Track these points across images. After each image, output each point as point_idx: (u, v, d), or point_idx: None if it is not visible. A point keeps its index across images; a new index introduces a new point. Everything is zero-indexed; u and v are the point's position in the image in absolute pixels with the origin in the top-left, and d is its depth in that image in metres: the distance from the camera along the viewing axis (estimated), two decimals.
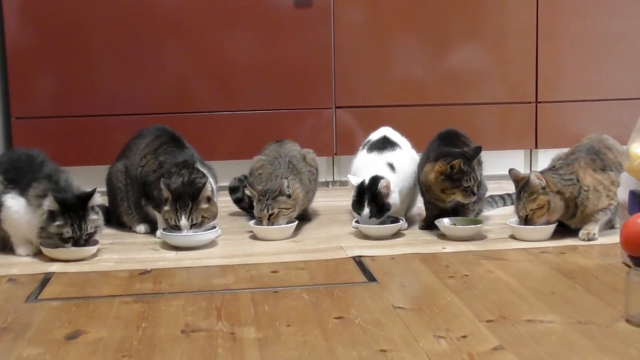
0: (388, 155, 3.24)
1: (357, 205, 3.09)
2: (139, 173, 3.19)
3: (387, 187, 3.06)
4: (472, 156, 3.06)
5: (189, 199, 2.95)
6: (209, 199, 2.99)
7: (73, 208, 2.80)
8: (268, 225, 3.10)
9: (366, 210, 3.06)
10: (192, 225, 2.97)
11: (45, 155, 3.01)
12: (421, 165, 3.19)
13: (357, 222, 3.16)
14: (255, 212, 3.13)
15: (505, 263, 2.70)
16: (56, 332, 2.13)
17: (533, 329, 2.08)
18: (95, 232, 2.87)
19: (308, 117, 4.15)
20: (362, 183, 3.08)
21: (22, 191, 2.85)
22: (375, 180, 3.06)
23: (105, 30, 3.97)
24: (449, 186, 3.04)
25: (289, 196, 3.12)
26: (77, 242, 2.81)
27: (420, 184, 3.19)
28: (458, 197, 3.04)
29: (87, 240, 2.84)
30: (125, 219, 3.28)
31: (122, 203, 3.27)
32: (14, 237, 2.91)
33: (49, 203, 2.77)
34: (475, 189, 3.04)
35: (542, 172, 2.97)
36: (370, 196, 3.06)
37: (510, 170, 3.03)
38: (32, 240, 2.88)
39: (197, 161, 3.15)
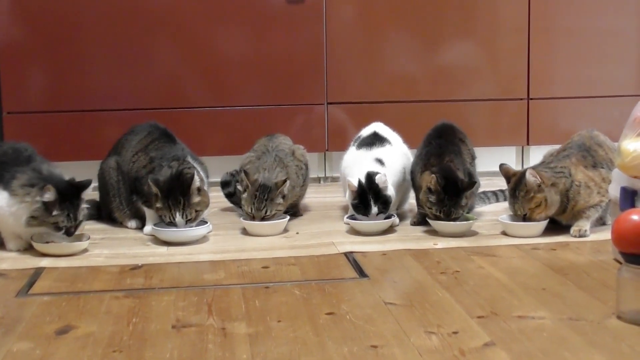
0: (376, 151, 3.23)
1: (363, 207, 3.06)
2: (130, 169, 3.19)
3: (385, 181, 3.06)
4: (464, 188, 3.00)
5: (180, 194, 2.94)
6: (199, 190, 2.98)
7: (68, 197, 2.81)
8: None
9: (374, 209, 3.05)
10: (187, 221, 2.97)
11: (34, 149, 3.00)
12: (417, 163, 3.18)
13: (350, 217, 3.16)
14: (249, 207, 3.11)
15: (496, 259, 2.70)
16: (46, 327, 2.13)
17: (524, 325, 2.08)
18: (83, 219, 2.88)
19: (300, 113, 4.14)
20: (360, 184, 3.07)
21: (6, 185, 2.83)
22: (370, 177, 3.06)
23: (97, 25, 3.96)
24: (428, 204, 3.02)
25: (284, 197, 3.12)
26: (68, 230, 2.82)
27: (415, 182, 3.19)
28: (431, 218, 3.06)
29: (76, 228, 2.85)
30: (117, 215, 3.28)
31: (114, 199, 3.26)
32: (3, 232, 2.90)
33: (48, 195, 2.75)
34: (450, 215, 3.00)
35: (534, 168, 2.97)
36: (373, 194, 3.05)
37: (501, 166, 3.03)
38: (22, 234, 2.87)
39: (188, 155, 3.15)
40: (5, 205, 2.82)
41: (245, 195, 3.13)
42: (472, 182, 3.03)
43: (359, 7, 4.14)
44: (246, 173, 3.14)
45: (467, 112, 4.22)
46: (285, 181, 3.12)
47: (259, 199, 3.08)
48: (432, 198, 2.99)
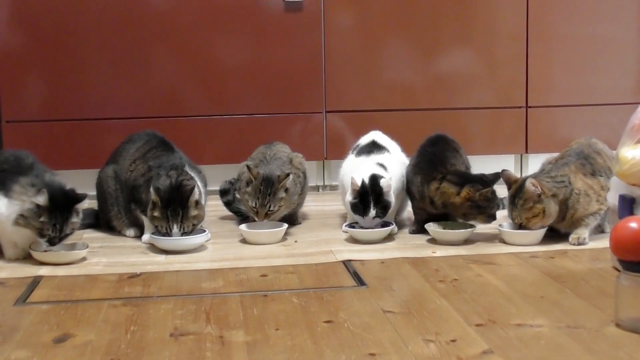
0: (376, 158, 3.22)
1: (362, 207, 3.04)
2: (128, 177, 3.19)
3: (389, 185, 3.05)
4: (491, 181, 3.03)
5: (179, 207, 2.94)
6: (197, 203, 2.98)
7: (60, 207, 2.79)
8: (261, 218, 3.11)
9: (372, 212, 3.04)
10: (184, 233, 2.97)
11: (35, 157, 3.00)
12: (414, 172, 3.17)
13: (348, 226, 3.15)
14: (252, 201, 3.09)
15: (494, 267, 2.70)
16: (44, 335, 2.13)
17: (522, 333, 2.08)
18: (71, 233, 2.87)
19: (298, 122, 4.15)
20: (364, 183, 3.05)
21: (7, 192, 2.82)
22: (375, 178, 3.05)
23: (96, 33, 3.96)
24: (474, 212, 3.02)
25: (286, 190, 3.11)
26: (51, 240, 2.81)
27: (413, 193, 3.18)
28: (479, 221, 3.05)
29: (61, 240, 2.83)
30: (115, 224, 3.27)
31: (112, 208, 3.26)
32: (2, 240, 2.90)
33: (41, 198, 2.75)
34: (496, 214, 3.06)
35: (535, 177, 2.96)
36: (374, 196, 3.04)
37: (503, 171, 3.02)
38: (20, 242, 2.86)
39: (186, 164, 3.15)
40: (5, 211, 2.81)
41: (249, 189, 3.11)
42: (496, 174, 3.06)
43: (357, 15, 4.14)
44: (249, 167, 3.12)
45: (465, 121, 4.22)
46: (287, 175, 3.11)
47: (263, 194, 3.08)
48: (475, 210, 3.01)
